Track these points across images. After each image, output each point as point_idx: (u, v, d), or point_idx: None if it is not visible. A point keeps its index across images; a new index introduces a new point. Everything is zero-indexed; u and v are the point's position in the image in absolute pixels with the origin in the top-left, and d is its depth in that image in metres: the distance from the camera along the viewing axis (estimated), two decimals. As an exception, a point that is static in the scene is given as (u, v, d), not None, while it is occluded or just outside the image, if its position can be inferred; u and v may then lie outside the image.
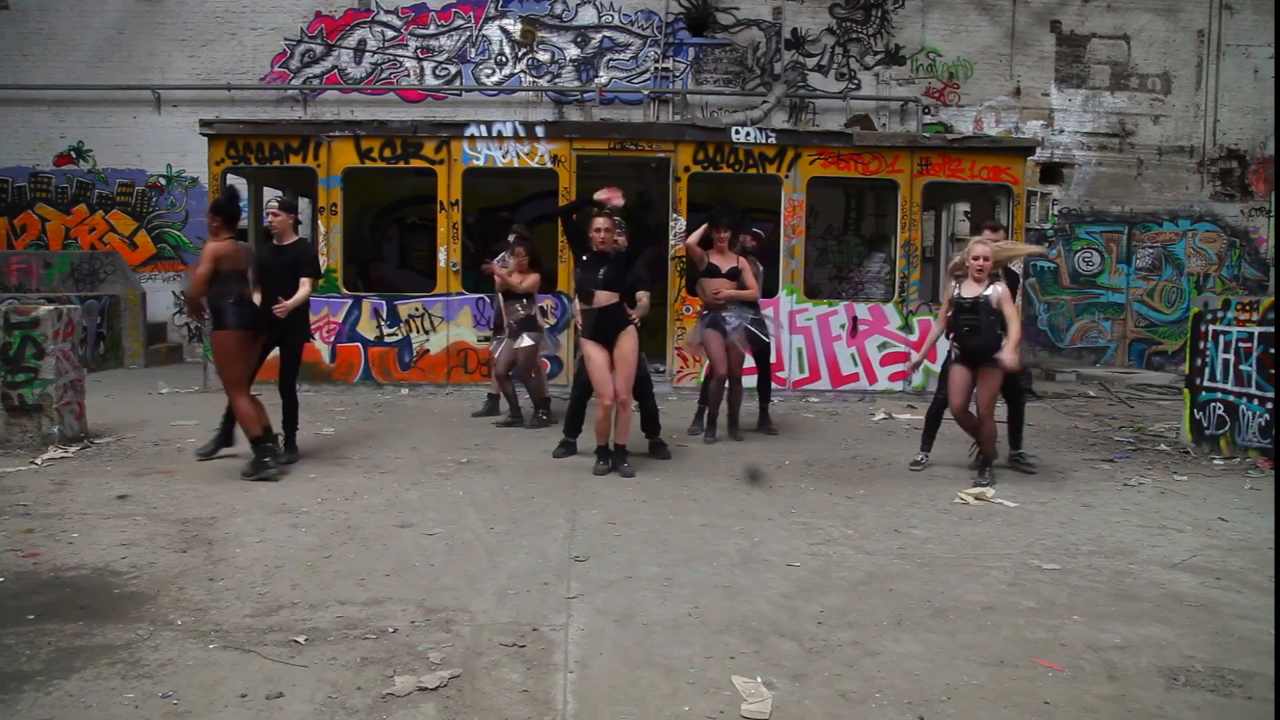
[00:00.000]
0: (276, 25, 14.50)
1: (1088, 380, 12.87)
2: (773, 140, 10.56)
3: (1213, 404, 7.51)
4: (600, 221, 6.41)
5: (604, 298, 6.37)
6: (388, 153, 10.52)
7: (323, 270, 10.56)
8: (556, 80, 14.65)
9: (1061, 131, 14.97)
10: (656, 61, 14.52)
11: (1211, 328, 7.55)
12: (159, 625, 3.59)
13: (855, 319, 10.66)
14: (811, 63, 14.72)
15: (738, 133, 10.55)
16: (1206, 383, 7.60)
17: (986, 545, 4.89)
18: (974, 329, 6.16)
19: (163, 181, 14.60)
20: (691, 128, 10.94)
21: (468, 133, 10.50)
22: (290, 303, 6.28)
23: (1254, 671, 3.32)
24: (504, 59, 14.62)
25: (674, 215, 10.40)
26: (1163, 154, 15.06)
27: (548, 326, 9.05)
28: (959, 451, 6.71)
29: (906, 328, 10.64)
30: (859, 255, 14.77)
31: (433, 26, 14.58)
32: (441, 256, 10.56)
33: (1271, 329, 6.91)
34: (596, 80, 14.54)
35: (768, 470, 6.64)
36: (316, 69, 14.57)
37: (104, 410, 8.44)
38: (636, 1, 14.55)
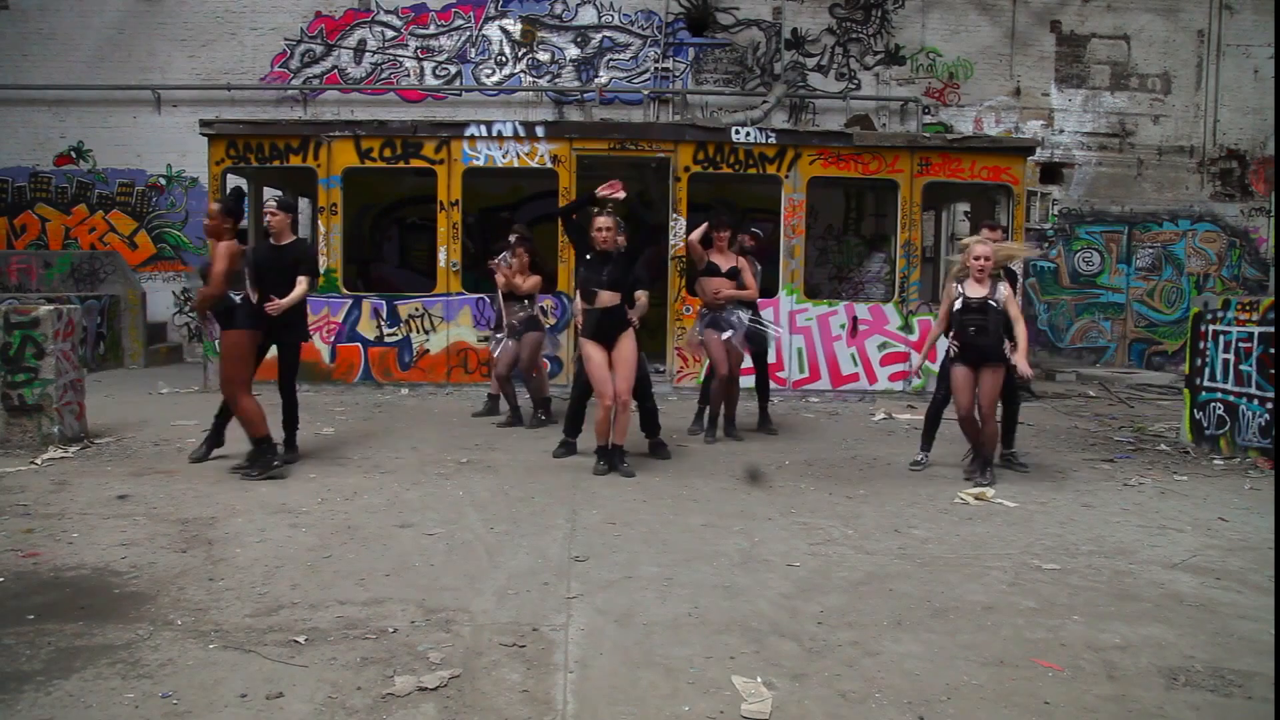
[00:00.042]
0: (276, 25, 14.50)
1: (1088, 380, 12.87)
2: (773, 140, 10.57)
3: (1213, 404, 7.51)
4: (602, 221, 6.42)
5: (607, 298, 6.38)
6: (388, 153, 10.52)
7: (322, 270, 10.61)
8: (556, 80, 14.65)
9: (1061, 131, 14.97)
10: (656, 61, 14.52)
11: (1211, 328, 7.56)
12: (159, 625, 3.59)
13: (855, 319, 10.66)
14: (811, 63, 14.72)
15: (738, 133, 10.55)
16: (1206, 383, 7.60)
17: (986, 545, 4.89)
18: (981, 329, 6.17)
19: (163, 181, 14.60)
20: (691, 128, 10.95)
21: (468, 133, 10.50)
22: (285, 301, 6.25)
23: (1254, 671, 3.32)
24: (504, 59, 14.62)
25: (674, 215, 10.40)
26: (1163, 154, 15.06)
27: (548, 326, 9.05)
28: (959, 451, 6.71)
29: (906, 328, 10.64)
30: (859, 255, 14.77)
31: (433, 26, 14.58)
32: (441, 256, 10.56)
33: (1271, 329, 6.91)
34: (596, 80, 14.54)
35: (768, 470, 6.64)
36: (316, 69, 14.57)
37: (104, 410, 8.44)
38: (636, 1, 14.56)
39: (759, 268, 8.18)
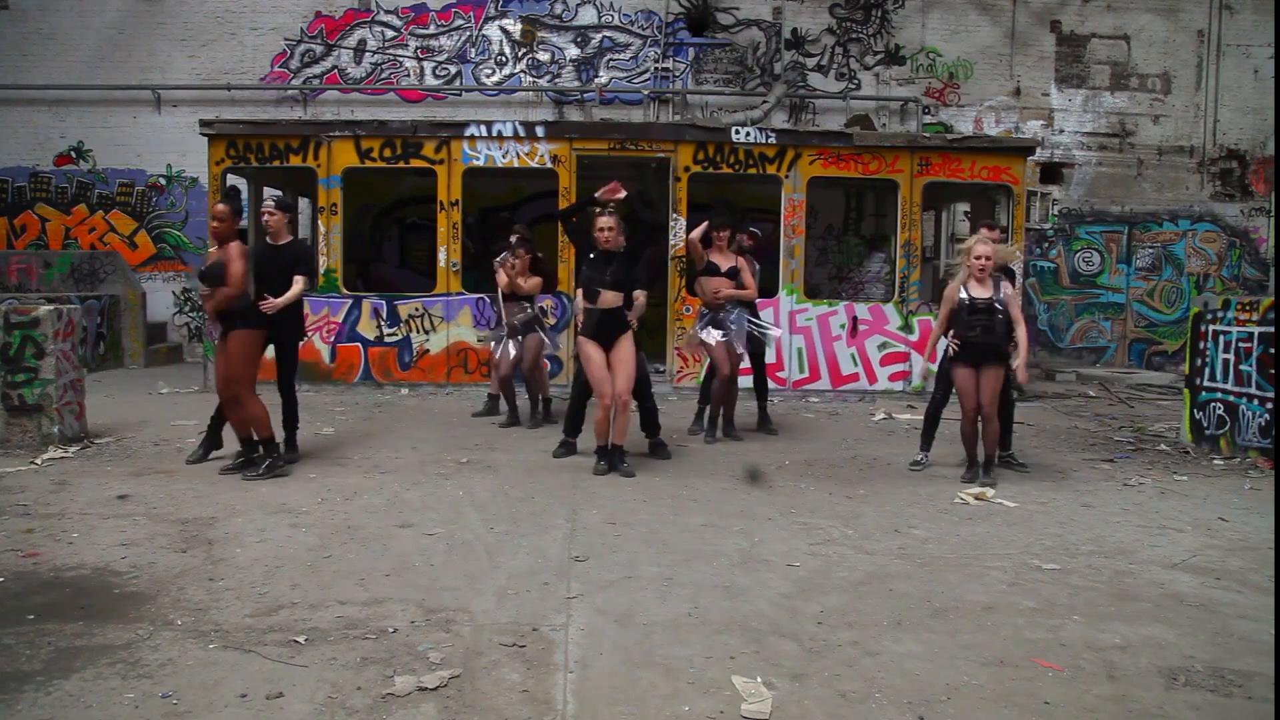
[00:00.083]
0: (276, 25, 14.50)
1: (1088, 380, 12.87)
2: (773, 140, 10.57)
3: (1213, 404, 7.51)
4: (605, 221, 6.41)
5: (611, 298, 6.38)
6: (388, 153, 10.52)
7: (322, 270, 10.62)
8: (556, 80, 14.65)
9: (1061, 131, 14.97)
10: (656, 61, 14.52)
11: (1211, 328, 7.55)
12: (159, 625, 3.59)
13: (855, 319, 10.66)
14: (811, 63, 14.72)
15: (738, 133, 10.55)
16: (1206, 383, 7.60)
17: (986, 545, 4.89)
18: (988, 329, 6.18)
19: (163, 181, 14.60)
20: (691, 128, 10.95)
21: (468, 133, 10.50)
22: (280, 300, 6.25)
23: (1254, 671, 3.32)
24: (504, 59, 14.62)
25: (674, 215, 10.40)
26: (1163, 154, 15.06)
27: (548, 326, 9.05)
28: (959, 451, 6.71)
29: (906, 328, 10.64)
30: (859, 255, 14.77)
31: (433, 26, 14.58)
32: (441, 256, 10.56)
33: (1271, 329, 6.91)
34: (596, 80, 14.54)
35: (768, 470, 6.64)
36: (316, 69, 14.57)
37: (104, 410, 8.44)
38: (636, 1, 14.56)
39: (757, 267, 8.17)
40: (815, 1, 14.68)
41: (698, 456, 7.20)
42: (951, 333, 6.31)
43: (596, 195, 6.54)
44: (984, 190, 11.30)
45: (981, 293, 6.20)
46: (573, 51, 14.63)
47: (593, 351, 6.42)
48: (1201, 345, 7.67)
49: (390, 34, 14.58)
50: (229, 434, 6.46)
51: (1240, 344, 7.24)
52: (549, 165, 10.50)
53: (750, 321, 7.75)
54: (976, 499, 5.86)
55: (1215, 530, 5.26)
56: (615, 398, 6.37)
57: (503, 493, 5.85)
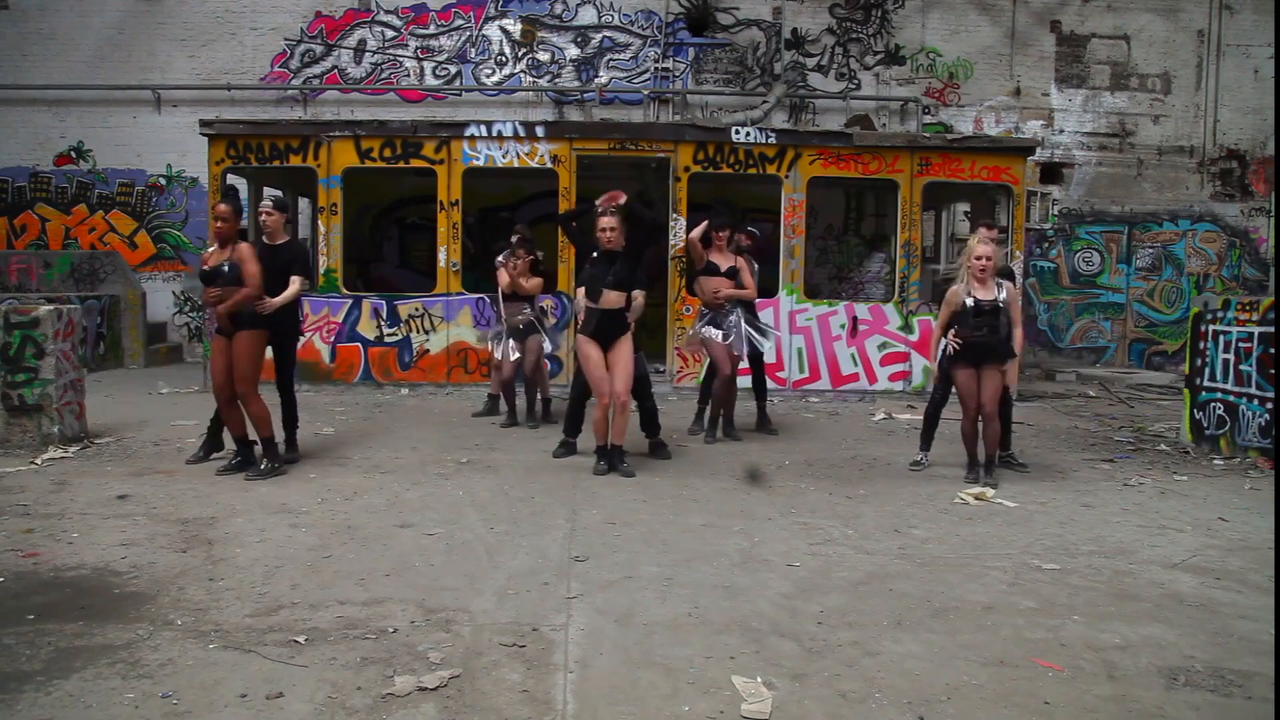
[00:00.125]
0: (276, 25, 14.50)
1: (1088, 380, 12.87)
2: (773, 140, 10.57)
3: (1213, 404, 7.51)
4: (607, 221, 6.41)
5: (614, 298, 6.38)
6: (388, 153, 10.52)
7: (322, 269, 10.63)
8: (556, 80, 14.65)
9: (1061, 131, 14.97)
10: (656, 61, 14.52)
11: (1211, 328, 7.55)
12: (159, 625, 3.59)
13: (855, 319, 10.66)
14: (811, 63, 14.71)
15: (738, 133, 10.55)
16: (1206, 383, 7.60)
17: (986, 545, 4.89)
18: (993, 329, 6.19)
19: (163, 181, 14.60)
20: (691, 128, 10.95)
21: (468, 133, 10.50)
22: (277, 300, 6.25)
23: (1254, 671, 3.32)
24: (504, 59, 14.62)
25: (674, 215, 10.40)
26: (1163, 154, 15.06)
27: (548, 325, 9.05)
28: (959, 451, 6.71)
29: (906, 328, 10.64)
30: (859, 255, 14.77)
31: (433, 26, 14.58)
32: (441, 256, 10.56)
33: (1271, 329, 6.91)
34: (596, 80, 14.54)
35: (768, 470, 6.64)
36: (316, 69, 14.57)
37: (104, 410, 8.43)
38: (636, 1, 14.55)
39: (755, 266, 8.17)
40: (815, 1, 14.68)
41: (698, 456, 7.20)
42: (952, 332, 6.30)
43: (597, 203, 6.54)
44: (984, 190, 11.30)
45: (985, 295, 6.20)
46: (573, 51, 14.63)
47: (592, 351, 6.43)
48: (1201, 345, 7.67)
49: (390, 34, 14.58)
50: (229, 435, 6.46)
51: (1240, 344, 7.24)
52: (549, 165, 10.50)
53: (748, 322, 7.74)
54: (976, 499, 5.86)
55: (1215, 530, 5.26)
56: (614, 397, 6.38)
57: (503, 493, 5.85)
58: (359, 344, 10.51)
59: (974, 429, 6.40)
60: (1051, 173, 14.95)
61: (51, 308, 7.14)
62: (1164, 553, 4.80)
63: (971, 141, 11.22)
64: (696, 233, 7.70)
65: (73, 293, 12.46)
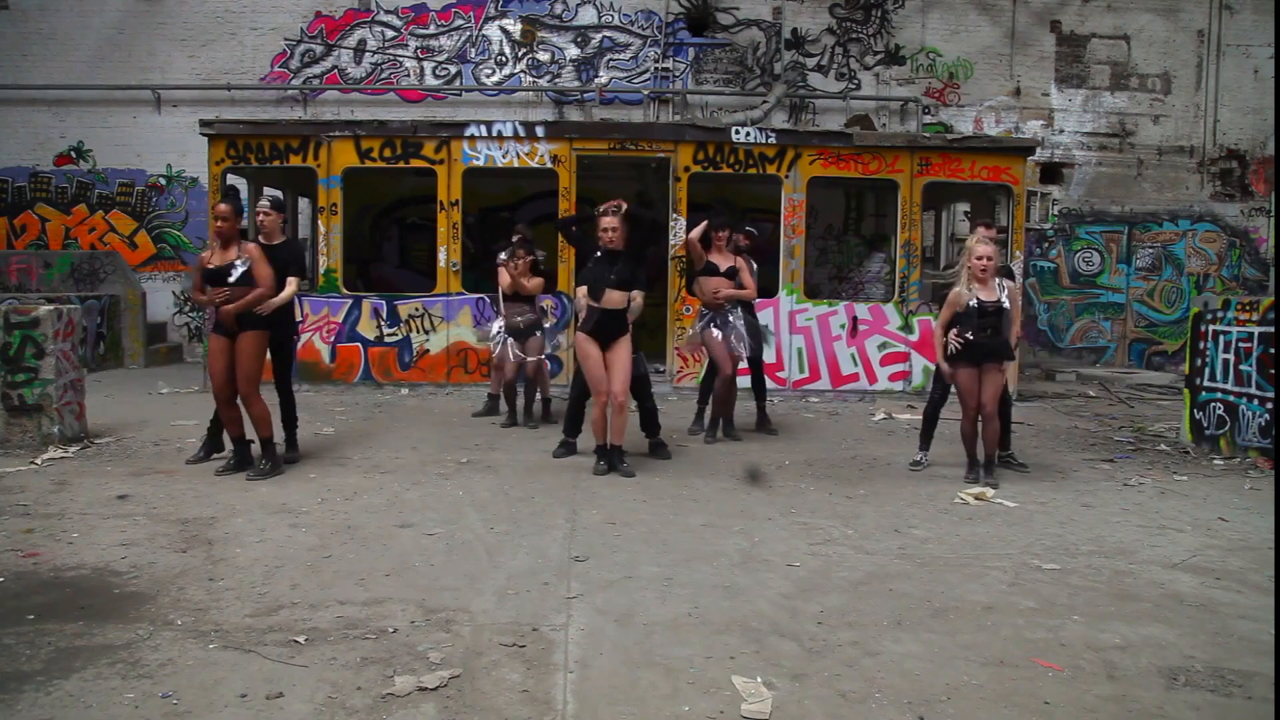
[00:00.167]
0: (276, 25, 14.50)
1: (1088, 380, 12.87)
2: (773, 140, 10.56)
3: (1213, 404, 7.51)
4: (608, 221, 6.41)
5: (618, 298, 6.37)
6: (388, 153, 10.52)
7: (322, 269, 10.63)
8: (556, 80, 14.65)
9: (1061, 131, 14.97)
10: (656, 61, 14.52)
11: (1211, 328, 7.56)
12: (159, 625, 3.59)
13: (855, 319, 10.66)
14: (811, 63, 14.71)
15: (738, 133, 10.55)
16: (1206, 383, 7.60)
17: (986, 545, 4.89)
18: (996, 330, 6.20)
19: (163, 181, 14.59)
20: (691, 128, 10.95)
21: (468, 133, 10.49)
22: (276, 300, 6.25)
23: (1254, 671, 3.32)
24: (504, 59, 14.62)
25: (674, 215, 10.41)
26: (1163, 154, 15.06)
27: (548, 325, 9.05)
28: (959, 451, 6.71)
29: (906, 328, 10.64)
30: (859, 255, 14.77)
31: (433, 26, 14.58)
32: (441, 256, 10.56)
33: (1271, 329, 6.91)
34: (596, 80, 14.54)
35: (768, 470, 6.64)
36: (316, 69, 14.56)
37: (104, 410, 8.43)
38: (636, 1, 14.55)
39: (754, 266, 8.16)
40: (815, 1, 14.68)
41: (698, 456, 7.20)
42: (954, 332, 6.30)
43: (597, 210, 6.55)
44: (984, 190, 11.29)
45: (988, 296, 6.21)
46: (573, 51, 14.63)
47: (591, 349, 6.42)
48: (1201, 345, 7.67)
49: (390, 34, 14.58)
50: (227, 435, 6.45)
51: (1240, 344, 7.24)
52: (549, 165, 10.50)
53: (749, 326, 7.73)
54: (976, 499, 5.86)
55: (1215, 530, 5.26)
56: (611, 397, 6.38)
57: (503, 493, 5.85)
58: (359, 344, 10.51)
59: (974, 429, 6.40)
60: (1051, 173, 14.95)
61: (51, 308, 7.14)
62: (1164, 553, 4.80)
63: (971, 141, 11.22)
64: (695, 233, 7.71)
65: (73, 293, 12.46)
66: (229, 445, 6.40)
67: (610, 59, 14.61)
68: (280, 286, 6.29)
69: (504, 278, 8.31)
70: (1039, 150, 13.50)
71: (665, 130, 11.12)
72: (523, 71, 14.62)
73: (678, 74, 14.61)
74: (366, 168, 10.63)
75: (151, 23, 14.47)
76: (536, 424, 8.44)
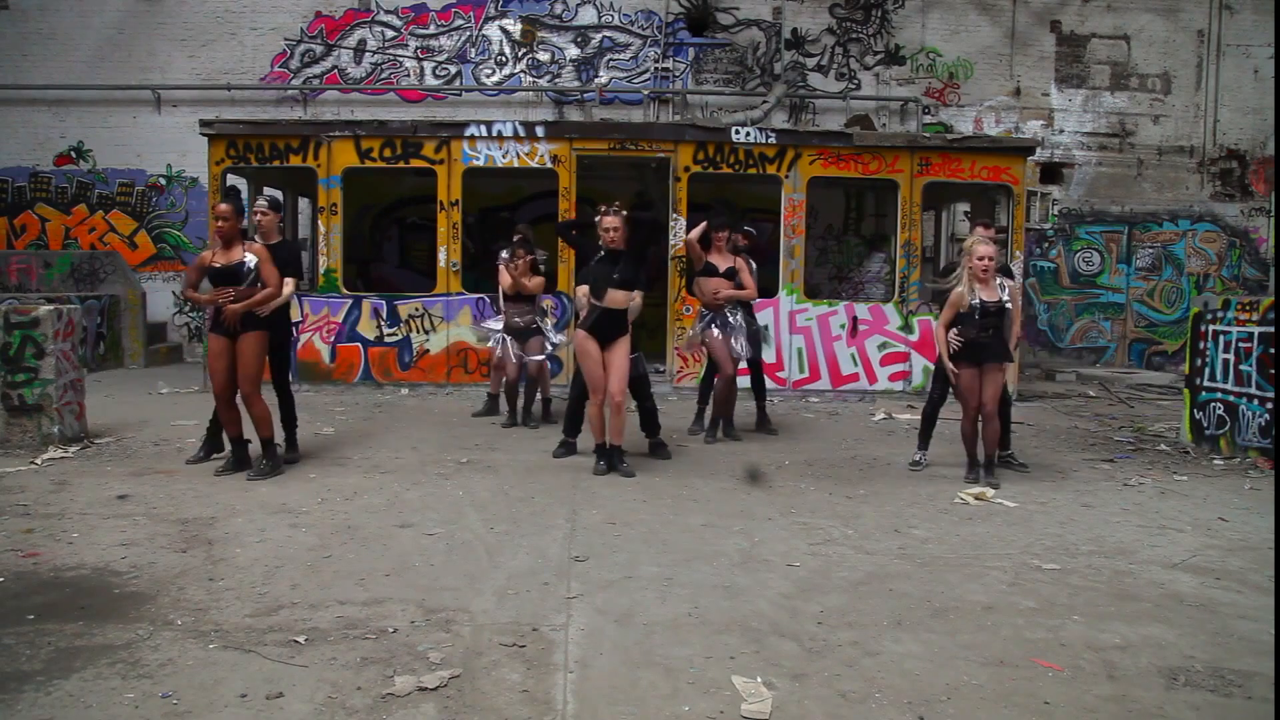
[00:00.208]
0: (276, 25, 14.50)
1: (1088, 380, 12.87)
2: (773, 140, 10.56)
3: (1213, 404, 7.51)
4: (610, 221, 6.40)
5: (622, 298, 6.37)
6: (388, 153, 10.52)
7: (322, 269, 10.64)
8: (556, 80, 14.65)
9: (1061, 131, 14.97)
10: (656, 61, 14.52)
11: (1211, 328, 7.55)
12: (159, 625, 3.59)
13: (855, 319, 10.66)
14: (811, 63, 14.71)
15: (738, 133, 10.55)
16: (1206, 383, 7.60)
17: (986, 545, 4.89)
18: (997, 329, 6.21)
19: (163, 181, 14.59)
20: (691, 128, 10.94)
21: (468, 133, 10.49)
22: (276, 301, 6.26)
23: (1254, 671, 3.32)
24: (504, 59, 14.62)
25: (674, 215, 10.41)
26: (1163, 154, 15.06)
27: (549, 325, 9.03)
28: (959, 451, 6.71)
29: (906, 328, 10.64)
30: (859, 255, 14.78)
31: (433, 26, 14.58)
32: (441, 256, 10.56)
33: (1271, 329, 6.91)
34: (596, 80, 14.54)
35: (768, 470, 6.65)
36: (316, 69, 14.57)
37: (104, 410, 8.43)
38: (636, 1, 14.55)
39: (754, 266, 8.16)
40: (815, 1, 14.68)
41: (698, 456, 7.20)
42: (954, 331, 6.30)
43: (600, 210, 6.55)
44: (984, 190, 11.29)
45: (990, 295, 6.21)
46: (573, 51, 14.63)
47: (590, 347, 6.42)
48: (1201, 345, 7.67)
49: (390, 34, 14.58)
50: (227, 434, 6.45)
51: (1240, 344, 7.24)
52: (549, 165, 10.50)
53: (749, 329, 7.73)
54: (976, 499, 5.86)
55: (1215, 530, 5.26)
56: (608, 396, 6.38)
57: (503, 493, 5.85)
58: (359, 344, 10.51)
59: (974, 429, 6.40)
60: (1051, 173, 14.95)
61: (51, 308, 7.14)
62: (1164, 553, 4.80)
63: (971, 141, 11.22)
64: (694, 234, 7.71)
65: (73, 293, 12.46)
66: (229, 445, 6.40)
67: (610, 59, 14.61)
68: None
69: (504, 278, 8.31)
70: (1039, 150, 13.51)
71: (665, 130, 11.12)
72: (523, 71, 14.62)
73: (678, 74, 14.61)
74: (366, 168, 10.63)
75: (151, 23, 14.47)
76: (537, 424, 8.44)
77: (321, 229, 10.75)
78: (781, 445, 7.74)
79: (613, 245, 6.41)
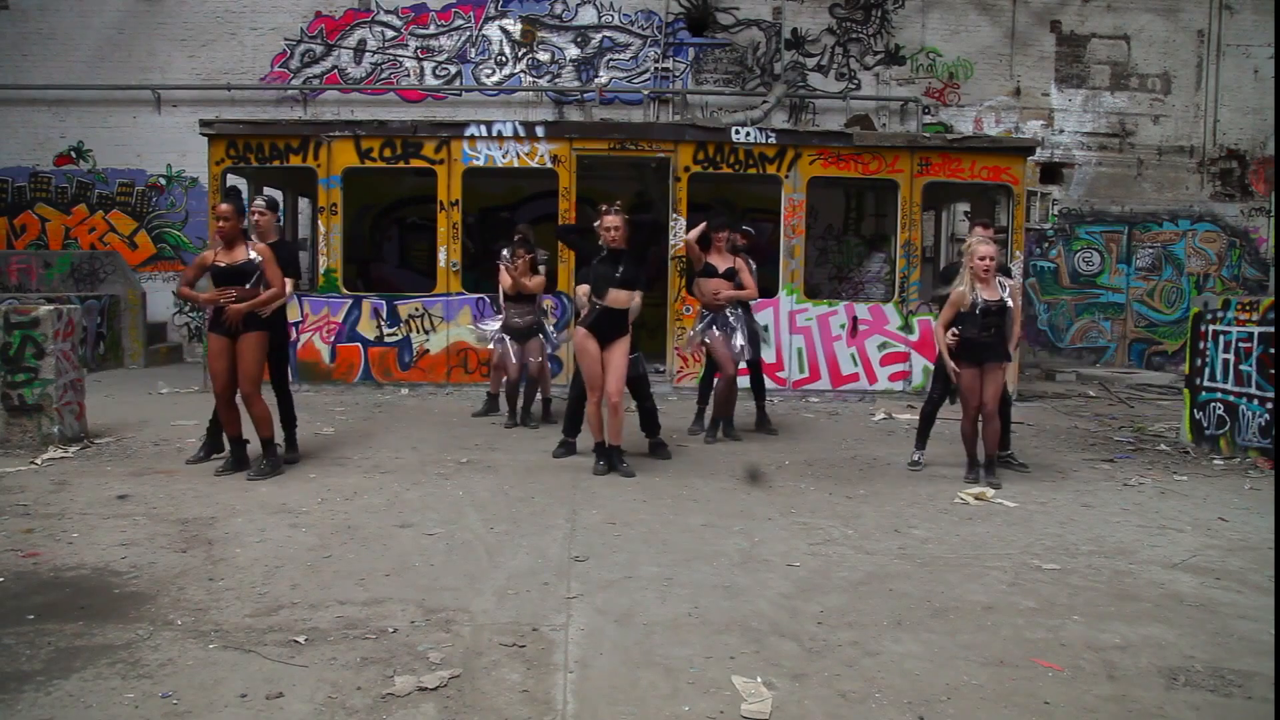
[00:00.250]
0: (276, 25, 14.50)
1: (1088, 380, 12.87)
2: (773, 140, 10.56)
3: (1213, 404, 7.51)
4: (611, 220, 6.39)
5: (625, 298, 6.36)
6: (388, 153, 10.52)
7: (322, 269, 10.64)
8: (556, 80, 14.65)
9: (1061, 131, 14.97)
10: (656, 61, 14.52)
11: (1211, 328, 7.56)
12: (159, 625, 3.59)
13: (855, 319, 10.66)
14: (811, 63, 14.71)
15: (738, 133, 10.55)
16: (1206, 383, 7.60)
17: (986, 545, 4.89)
18: (999, 328, 6.21)
19: (163, 181, 14.59)
20: (691, 128, 10.94)
21: (468, 133, 10.49)
22: (276, 301, 6.27)
23: (1254, 671, 3.32)
24: (504, 59, 14.62)
25: (674, 215, 10.41)
26: (1163, 154, 15.06)
27: (550, 325, 9.04)
28: (959, 451, 6.71)
29: (906, 328, 10.64)
30: (859, 255, 14.78)
31: (433, 26, 14.58)
32: (441, 256, 10.56)
33: (1271, 329, 6.91)
34: (596, 80, 14.54)
35: (768, 470, 6.64)
36: (316, 69, 14.57)
37: (104, 410, 8.43)
38: (636, 1, 14.55)
39: (753, 265, 8.15)
40: (815, 1, 14.68)
41: (698, 456, 7.20)
42: (952, 331, 6.30)
43: (600, 210, 6.55)
44: (984, 190, 11.29)
45: (991, 295, 6.21)
46: (573, 51, 14.63)
47: (590, 345, 6.41)
48: (1201, 345, 7.67)
49: (390, 34, 14.58)
50: (226, 434, 6.45)
51: (1240, 344, 7.24)
52: (549, 165, 10.50)
53: (749, 330, 7.73)
54: (976, 499, 5.86)
55: (1215, 530, 5.26)
56: (606, 395, 6.37)
57: (503, 493, 5.85)
58: (359, 344, 10.51)
59: (974, 429, 6.40)
60: (1051, 173, 14.95)
61: (51, 308, 7.14)
62: (1164, 553, 4.80)
63: (971, 141, 11.22)
64: (692, 235, 7.70)
65: (73, 293, 12.46)
66: (229, 445, 6.40)
67: (610, 59, 14.61)
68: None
69: (505, 279, 8.31)
70: (1039, 150, 13.51)
71: (665, 130, 11.12)
72: (523, 71, 14.63)
73: (678, 74, 14.61)
74: (366, 168, 10.63)
75: (151, 23, 14.47)
76: (537, 424, 8.44)
77: (321, 229, 10.75)
78: (781, 445, 7.74)
79: (614, 244, 6.40)
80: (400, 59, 14.56)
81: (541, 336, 8.39)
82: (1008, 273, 7.01)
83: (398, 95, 14.55)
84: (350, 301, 10.54)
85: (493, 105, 14.51)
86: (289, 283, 6.47)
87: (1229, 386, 7.33)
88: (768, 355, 9.97)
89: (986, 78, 14.84)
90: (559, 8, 14.57)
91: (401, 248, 14.51)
